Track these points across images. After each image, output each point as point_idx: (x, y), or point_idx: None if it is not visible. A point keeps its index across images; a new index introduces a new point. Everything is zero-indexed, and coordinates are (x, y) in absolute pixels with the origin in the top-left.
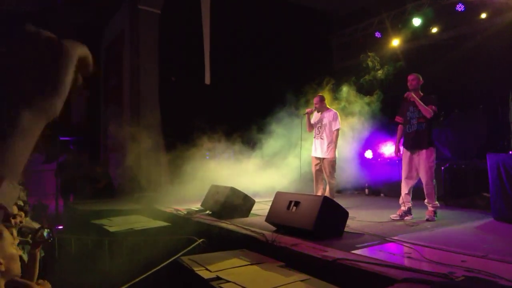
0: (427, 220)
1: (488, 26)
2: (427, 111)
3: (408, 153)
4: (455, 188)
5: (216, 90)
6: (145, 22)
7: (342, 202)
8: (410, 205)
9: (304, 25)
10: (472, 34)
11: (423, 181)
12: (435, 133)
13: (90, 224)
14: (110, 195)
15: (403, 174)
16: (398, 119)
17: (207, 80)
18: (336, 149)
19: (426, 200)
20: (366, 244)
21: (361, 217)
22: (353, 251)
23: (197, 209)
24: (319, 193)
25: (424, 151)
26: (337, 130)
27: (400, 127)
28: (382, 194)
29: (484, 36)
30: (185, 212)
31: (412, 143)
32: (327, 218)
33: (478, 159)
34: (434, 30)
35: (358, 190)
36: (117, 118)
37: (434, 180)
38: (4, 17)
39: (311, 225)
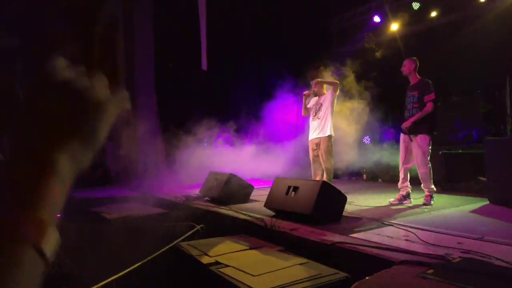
0: (424, 204)
1: (487, 10)
2: (426, 110)
3: (405, 137)
4: (452, 173)
5: (213, 75)
6: (139, 6)
7: (340, 187)
8: (409, 189)
9: (303, 10)
10: (471, 18)
11: (417, 166)
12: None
13: (88, 212)
14: (107, 182)
15: (400, 158)
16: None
17: (204, 66)
18: (332, 129)
19: (422, 185)
20: (364, 228)
21: (359, 201)
22: (351, 235)
23: (195, 196)
24: (317, 179)
25: (418, 137)
26: (332, 109)
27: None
28: (379, 180)
29: (483, 20)
30: (184, 199)
31: (409, 128)
32: (326, 202)
33: (475, 144)
34: (433, 14)
35: (355, 176)
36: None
37: (429, 165)
38: None
39: (310, 210)
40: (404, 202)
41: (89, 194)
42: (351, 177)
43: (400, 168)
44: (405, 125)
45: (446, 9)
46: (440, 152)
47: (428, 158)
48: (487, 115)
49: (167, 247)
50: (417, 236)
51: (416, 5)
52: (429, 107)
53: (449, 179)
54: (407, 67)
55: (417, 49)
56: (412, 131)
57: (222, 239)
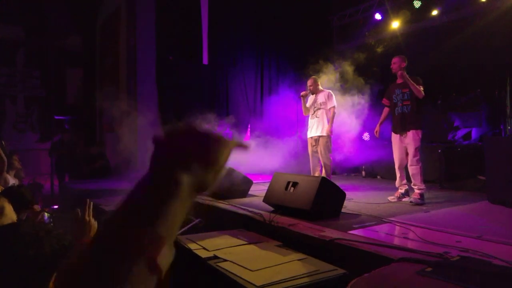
0: (411, 202)
1: (488, 10)
2: (419, 91)
3: (397, 136)
4: (451, 171)
5: (214, 69)
6: None
7: (338, 183)
8: (407, 187)
9: (305, 5)
10: (472, 17)
11: (408, 162)
12: (431, 116)
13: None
14: (106, 175)
15: (394, 157)
16: (385, 101)
17: (205, 60)
18: (332, 128)
19: (412, 182)
20: (363, 224)
21: (358, 198)
22: (350, 231)
23: None
24: (316, 174)
25: (410, 132)
26: (333, 107)
27: (385, 109)
28: (378, 176)
29: (484, 19)
30: None
31: (399, 126)
32: (325, 198)
33: (474, 142)
34: (435, 12)
35: (354, 172)
36: (113, 98)
37: (420, 162)
38: None
39: (309, 205)
40: (403, 199)
41: (88, 186)
42: (349, 173)
43: (396, 168)
44: (404, 74)
45: (447, 8)
46: (439, 150)
47: (419, 155)
48: (487, 114)
49: None
50: (415, 234)
51: (417, 4)
52: (421, 92)
53: (448, 177)
54: (398, 64)
55: (418, 47)
56: (403, 129)
57: (221, 233)
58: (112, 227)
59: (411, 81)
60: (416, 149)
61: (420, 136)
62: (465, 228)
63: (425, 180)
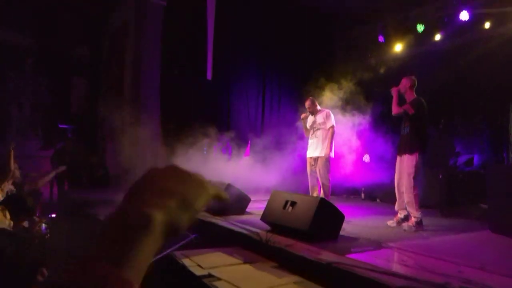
0: (404, 230)
1: (491, 36)
2: (394, 108)
3: (398, 158)
4: (452, 197)
5: (217, 85)
6: (150, 13)
7: (337, 205)
8: (406, 212)
9: (308, 27)
10: (475, 43)
11: (403, 187)
12: (433, 140)
13: (84, 213)
14: (106, 184)
15: (395, 179)
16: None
17: (209, 75)
18: (332, 148)
19: (407, 209)
20: (361, 248)
21: (356, 221)
22: (348, 255)
23: None
24: (314, 194)
25: (406, 155)
26: (332, 127)
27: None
28: (378, 199)
29: (487, 45)
30: None
31: (399, 147)
32: (323, 219)
33: (476, 169)
34: (437, 37)
35: (353, 194)
36: (116, 108)
37: (416, 189)
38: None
39: (307, 226)
40: (403, 224)
41: (87, 195)
42: (349, 195)
43: (395, 190)
44: (394, 90)
45: (450, 33)
46: (440, 176)
47: (414, 181)
48: (490, 141)
49: (160, 255)
50: (416, 261)
51: (420, 27)
52: (411, 109)
53: (448, 203)
54: (403, 84)
55: (420, 70)
56: (401, 151)
57: (216, 250)
58: (77, 265)
59: (395, 97)
60: (409, 175)
61: (415, 162)
62: (467, 257)
63: (425, 206)
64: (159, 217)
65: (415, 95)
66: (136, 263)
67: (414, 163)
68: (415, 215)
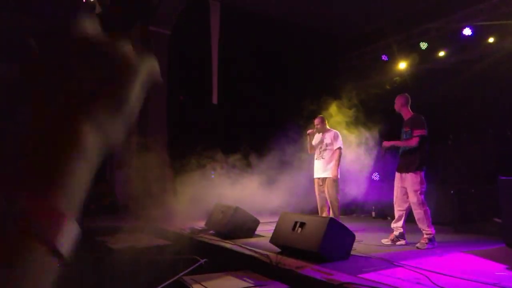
0: (417, 247)
1: (496, 50)
2: (409, 142)
3: (398, 175)
4: (465, 213)
5: (223, 109)
6: (155, 42)
7: (348, 224)
8: (402, 230)
9: (312, 48)
10: (480, 58)
11: (411, 204)
12: (443, 155)
13: (92, 241)
14: (114, 212)
15: (394, 196)
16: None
17: (215, 100)
18: (339, 169)
19: (420, 226)
20: (373, 268)
21: (368, 240)
22: (360, 275)
23: (200, 228)
24: (324, 215)
25: (409, 174)
26: (339, 149)
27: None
28: (389, 218)
29: (492, 60)
30: (189, 231)
31: (400, 165)
32: (333, 240)
33: (488, 184)
34: (441, 54)
35: (364, 213)
36: (124, 136)
37: (425, 206)
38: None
39: (317, 247)
40: (398, 243)
41: (95, 223)
42: (359, 214)
43: (394, 206)
44: (385, 144)
45: (454, 49)
46: (452, 191)
47: (422, 198)
48: (500, 154)
49: (170, 280)
50: (429, 279)
51: (424, 45)
52: (413, 141)
53: (462, 219)
54: (397, 103)
55: (426, 87)
56: (402, 169)
57: (226, 274)
58: None
59: (396, 142)
60: (415, 192)
61: (419, 178)
62: (481, 274)
63: (437, 222)
64: (86, 130)
65: (412, 112)
66: (67, 190)
67: (419, 179)
68: (427, 232)
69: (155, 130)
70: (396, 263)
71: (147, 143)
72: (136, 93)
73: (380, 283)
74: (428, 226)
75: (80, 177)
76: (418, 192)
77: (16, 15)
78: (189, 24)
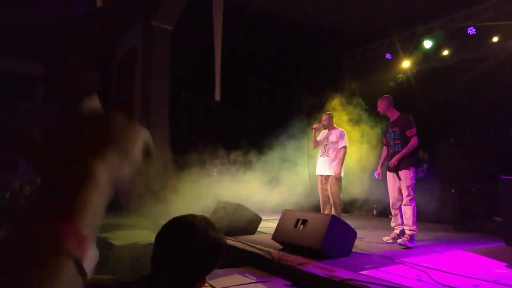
0: (400, 244)
1: (500, 50)
2: (412, 146)
3: (391, 175)
4: (465, 212)
5: (225, 106)
6: (158, 38)
7: (349, 222)
8: (402, 227)
9: (315, 45)
10: (484, 57)
11: (403, 201)
12: (444, 155)
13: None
14: (116, 208)
15: (390, 196)
16: (384, 140)
17: (217, 97)
18: (342, 168)
19: (404, 222)
20: (374, 265)
21: (369, 237)
22: (361, 272)
23: None
24: (326, 212)
25: (402, 171)
26: (344, 147)
27: (384, 149)
28: (390, 216)
29: (496, 59)
30: None
31: (392, 166)
32: (335, 237)
33: (489, 182)
34: (445, 52)
35: (365, 211)
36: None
37: (414, 202)
38: (20, 31)
39: (319, 244)
40: (399, 241)
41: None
42: (360, 212)
43: (391, 206)
44: (392, 163)
45: (459, 48)
46: (453, 190)
47: (413, 194)
48: (502, 153)
49: None
50: (430, 277)
51: (428, 44)
52: (414, 142)
53: (462, 218)
54: (380, 106)
55: (429, 85)
56: (396, 167)
57: (228, 271)
58: (27, 224)
59: (400, 155)
60: (408, 187)
61: (412, 174)
62: (482, 271)
63: (438, 221)
64: (99, 168)
65: (399, 112)
66: (87, 217)
67: (411, 175)
68: (411, 228)
69: (158, 126)
70: (397, 260)
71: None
72: (137, 148)
73: (381, 279)
74: (413, 223)
75: (96, 207)
76: (411, 187)
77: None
78: (192, 21)
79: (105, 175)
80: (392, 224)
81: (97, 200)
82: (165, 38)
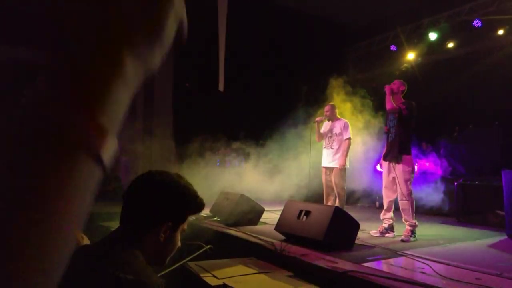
0: (402, 241)
1: (505, 43)
2: (388, 103)
3: (386, 163)
4: (468, 205)
5: (229, 97)
6: None
7: (352, 214)
8: (391, 221)
9: (321, 37)
10: (489, 50)
11: (398, 194)
12: (449, 148)
13: (97, 226)
14: (119, 197)
15: (383, 187)
16: (386, 128)
17: (221, 87)
18: (347, 159)
19: (403, 217)
20: (377, 257)
21: (372, 229)
22: (363, 264)
23: (205, 215)
24: (329, 204)
25: (400, 165)
26: (348, 139)
27: (385, 137)
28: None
29: (501, 52)
30: (193, 218)
31: (389, 153)
32: (338, 229)
33: (492, 176)
34: (450, 45)
35: (368, 203)
36: (129, 122)
37: (412, 196)
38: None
39: (322, 235)
40: (386, 235)
41: (99, 208)
42: (363, 204)
43: (383, 197)
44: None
45: (464, 41)
46: (456, 183)
47: (411, 188)
48: (505, 147)
49: (174, 266)
50: (432, 269)
51: (433, 36)
52: (390, 105)
53: (465, 211)
54: (397, 86)
55: (434, 78)
56: (392, 158)
57: (231, 261)
58: (37, 110)
59: (389, 94)
60: (406, 181)
61: (410, 167)
62: (484, 264)
63: (441, 214)
64: (128, 59)
65: (404, 99)
66: (110, 108)
67: (410, 168)
68: (410, 222)
69: (161, 116)
70: (399, 253)
71: (153, 129)
72: (170, 26)
73: (383, 271)
74: (412, 217)
75: (121, 100)
76: (409, 181)
77: None
78: (196, 9)
79: (133, 67)
80: (382, 217)
81: (122, 93)
82: None
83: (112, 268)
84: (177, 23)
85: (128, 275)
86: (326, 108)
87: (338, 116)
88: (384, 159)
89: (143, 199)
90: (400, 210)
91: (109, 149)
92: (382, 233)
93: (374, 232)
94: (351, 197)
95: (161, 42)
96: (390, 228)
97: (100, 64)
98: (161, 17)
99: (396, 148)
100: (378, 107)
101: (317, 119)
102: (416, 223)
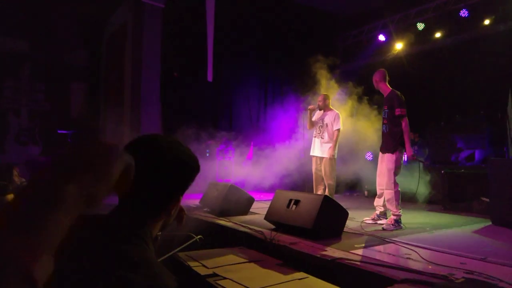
0: (383, 229)
1: (491, 33)
2: (406, 130)
3: (380, 155)
4: (454, 193)
5: (217, 87)
6: (148, 16)
7: (341, 203)
8: (383, 209)
9: (309, 26)
10: (475, 40)
11: (383, 184)
12: (434, 137)
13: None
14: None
15: (377, 177)
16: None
17: (210, 77)
18: (336, 149)
19: (387, 206)
20: (365, 244)
21: (360, 218)
22: (352, 251)
23: (195, 206)
24: (319, 193)
25: (386, 154)
26: (338, 130)
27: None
28: None
29: (487, 42)
30: (183, 208)
31: (382, 144)
32: (327, 217)
33: (478, 164)
34: (438, 35)
35: (357, 192)
36: (117, 112)
37: (397, 186)
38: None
39: (311, 224)
40: (379, 222)
41: None
42: (352, 193)
43: (376, 186)
44: (409, 155)
45: (451, 31)
46: (442, 172)
47: (394, 177)
48: (491, 136)
49: (164, 257)
50: (419, 255)
51: (420, 26)
52: (404, 124)
53: (451, 198)
54: (374, 80)
55: (421, 68)
56: (383, 149)
57: (221, 251)
58: None
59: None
60: (389, 170)
61: (395, 157)
62: (469, 250)
63: (428, 201)
64: (71, 190)
65: (391, 88)
66: (49, 233)
67: (394, 158)
68: (394, 212)
69: (148, 106)
70: (387, 240)
71: (141, 119)
72: (115, 170)
73: (371, 258)
74: (396, 208)
75: (59, 225)
76: (392, 170)
77: None
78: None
79: (75, 197)
80: (374, 204)
81: (63, 219)
82: (155, 16)
83: (123, 270)
84: (124, 167)
85: (141, 279)
86: (319, 98)
87: (330, 107)
88: (380, 151)
89: (161, 175)
90: (385, 199)
91: (44, 268)
92: (375, 220)
93: (367, 219)
94: (339, 186)
95: (105, 180)
96: (383, 215)
97: (42, 199)
98: (109, 167)
99: (387, 141)
100: (366, 96)
101: (310, 106)
102: (400, 213)
